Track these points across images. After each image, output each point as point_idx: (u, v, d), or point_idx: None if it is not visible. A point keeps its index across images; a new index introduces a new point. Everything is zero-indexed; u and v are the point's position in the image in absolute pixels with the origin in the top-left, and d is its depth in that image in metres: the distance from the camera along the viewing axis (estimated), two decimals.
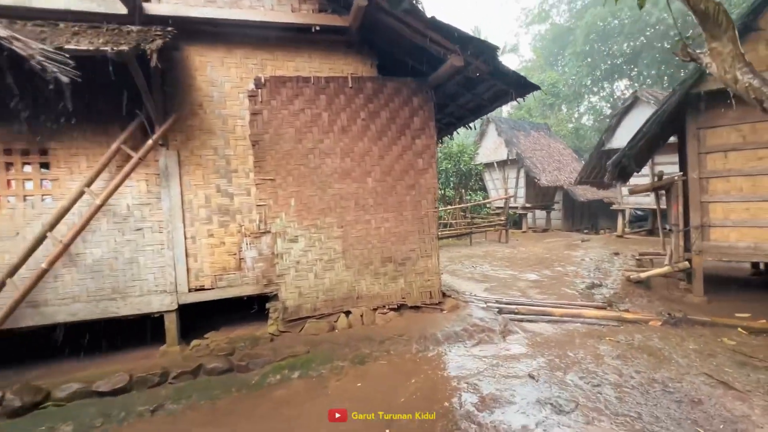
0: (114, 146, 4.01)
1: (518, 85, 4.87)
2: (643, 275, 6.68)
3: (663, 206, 9.54)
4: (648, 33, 27.72)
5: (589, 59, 30.21)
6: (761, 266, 7.46)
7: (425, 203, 5.40)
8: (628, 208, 13.93)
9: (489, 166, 19.00)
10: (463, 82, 5.35)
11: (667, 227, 7.22)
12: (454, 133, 7.55)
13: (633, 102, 12.30)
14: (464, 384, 3.57)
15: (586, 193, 20.34)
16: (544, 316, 5.44)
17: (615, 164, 6.68)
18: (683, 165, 6.74)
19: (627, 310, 5.68)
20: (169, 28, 3.72)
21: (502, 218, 14.60)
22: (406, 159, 5.31)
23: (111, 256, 4.20)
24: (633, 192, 7.36)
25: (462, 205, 14.89)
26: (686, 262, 6.31)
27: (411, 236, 5.36)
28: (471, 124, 6.64)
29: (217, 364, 3.95)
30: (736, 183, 5.97)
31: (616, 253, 10.56)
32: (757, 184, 5.81)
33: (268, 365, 3.99)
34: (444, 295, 5.63)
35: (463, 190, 16.22)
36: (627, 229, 14.16)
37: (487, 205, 19.05)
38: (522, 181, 17.60)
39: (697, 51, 3.36)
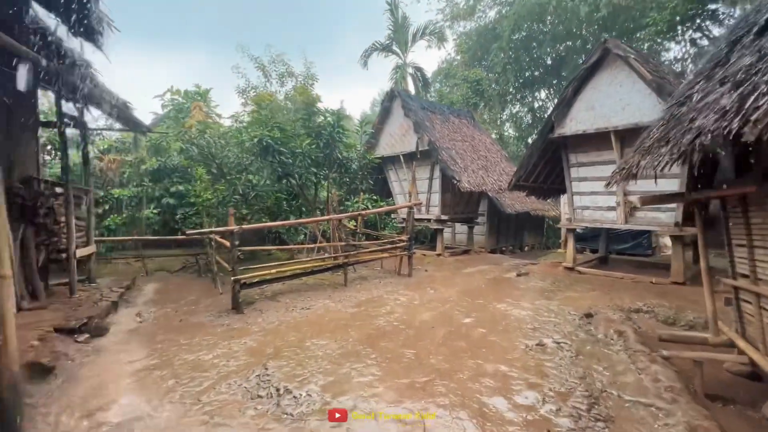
0: None
1: None
2: None
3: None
4: (569, 44, 25.86)
5: (513, 64, 27.31)
6: None
7: None
8: (581, 226, 9.48)
9: (394, 161, 13.60)
10: None
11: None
12: None
13: (600, 59, 7.74)
14: None
15: (515, 203, 16.22)
16: None
17: None
18: None
19: None
20: None
21: (404, 238, 9.25)
22: None
23: None
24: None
25: (339, 216, 9.12)
26: None
27: None
28: None
29: None
30: None
31: (589, 315, 5.66)
32: None
33: None
34: None
35: (340, 193, 10.50)
36: (579, 256, 9.73)
37: (392, 215, 13.72)
38: (437, 184, 12.52)
39: None
